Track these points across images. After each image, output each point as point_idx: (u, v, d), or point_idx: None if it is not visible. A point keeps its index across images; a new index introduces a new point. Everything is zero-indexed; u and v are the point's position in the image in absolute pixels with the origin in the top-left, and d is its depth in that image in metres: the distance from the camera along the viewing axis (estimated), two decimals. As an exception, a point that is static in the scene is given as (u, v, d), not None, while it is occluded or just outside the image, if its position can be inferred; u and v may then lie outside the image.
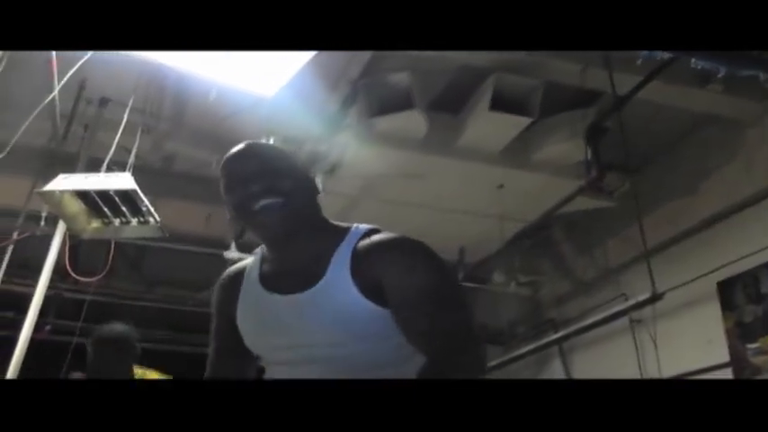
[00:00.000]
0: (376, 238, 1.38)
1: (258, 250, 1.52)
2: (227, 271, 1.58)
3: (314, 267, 1.35)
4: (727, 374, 4.47)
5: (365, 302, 1.30)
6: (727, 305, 4.60)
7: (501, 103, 4.13)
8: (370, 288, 1.31)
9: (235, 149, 1.42)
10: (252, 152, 1.41)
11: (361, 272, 1.32)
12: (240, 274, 1.51)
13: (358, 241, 1.37)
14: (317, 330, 1.32)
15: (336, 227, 1.44)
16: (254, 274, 1.46)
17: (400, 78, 4.13)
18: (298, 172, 1.43)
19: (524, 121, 4.31)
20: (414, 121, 4.29)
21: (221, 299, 1.55)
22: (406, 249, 1.35)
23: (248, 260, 1.53)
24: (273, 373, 1.43)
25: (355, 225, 1.43)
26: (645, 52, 1.93)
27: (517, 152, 4.65)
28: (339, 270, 1.33)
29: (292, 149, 1.59)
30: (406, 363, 1.30)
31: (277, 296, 1.38)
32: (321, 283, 1.32)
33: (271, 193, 1.34)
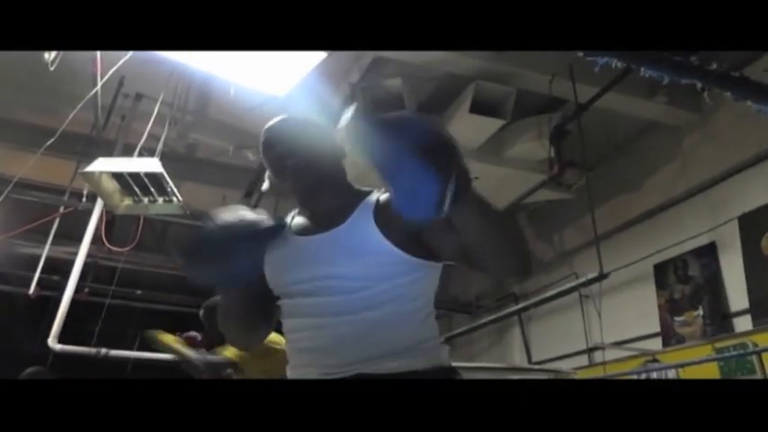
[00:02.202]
0: None
1: (291, 212, 1.46)
2: None
3: (338, 215, 1.30)
4: (657, 342, 4.61)
5: (388, 245, 1.22)
6: (660, 284, 4.72)
7: (479, 107, 4.20)
8: (396, 234, 1.22)
9: (269, 123, 1.40)
10: (281, 125, 1.39)
11: (385, 219, 1.24)
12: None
13: (380, 196, 1.33)
14: (337, 262, 1.24)
15: (360, 189, 1.40)
16: (285, 226, 1.41)
17: (394, 83, 4.20)
18: (320, 138, 1.39)
19: (498, 123, 4.37)
20: (403, 121, 4.31)
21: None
22: None
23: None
24: (292, 306, 1.32)
25: (378, 189, 1.37)
26: (602, 60, 1.95)
27: (491, 149, 4.72)
28: (362, 217, 1.27)
29: (320, 121, 1.48)
30: (415, 300, 1.26)
31: (302, 237, 1.33)
32: (343, 225, 1.27)
33: (295, 154, 1.33)
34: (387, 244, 1.22)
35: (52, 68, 3.19)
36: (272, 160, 1.37)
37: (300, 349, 1.29)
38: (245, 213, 1.26)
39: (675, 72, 2.10)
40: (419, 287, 1.27)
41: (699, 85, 2.20)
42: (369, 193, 1.36)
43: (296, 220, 1.41)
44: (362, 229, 1.24)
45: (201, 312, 2.81)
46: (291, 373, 1.31)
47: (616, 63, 1.96)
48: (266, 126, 1.40)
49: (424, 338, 1.25)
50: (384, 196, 1.31)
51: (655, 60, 2.06)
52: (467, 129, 4.42)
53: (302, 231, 1.35)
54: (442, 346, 1.30)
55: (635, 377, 4.28)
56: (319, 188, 1.36)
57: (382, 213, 1.26)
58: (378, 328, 1.20)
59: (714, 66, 2.16)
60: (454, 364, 1.29)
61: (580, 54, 1.86)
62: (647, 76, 2.05)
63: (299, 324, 1.29)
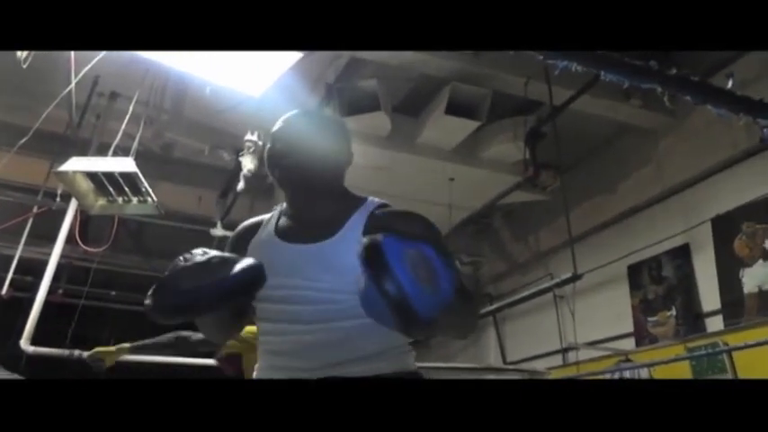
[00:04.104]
0: (390, 208, 1.37)
1: (277, 207, 1.47)
2: (245, 222, 1.49)
3: (329, 226, 1.31)
4: (630, 342, 4.71)
5: None
6: (634, 285, 4.84)
7: (454, 109, 4.28)
8: None
9: (286, 114, 1.41)
10: (291, 120, 1.40)
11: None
12: (256, 225, 1.45)
13: (374, 210, 1.34)
14: (321, 276, 1.26)
15: (354, 195, 1.40)
16: (271, 226, 1.41)
17: (369, 84, 4.27)
18: (322, 141, 1.37)
19: (474, 125, 4.47)
20: (380, 122, 4.44)
21: (234, 243, 1.45)
22: (416, 217, 1.35)
23: (267, 215, 1.46)
24: (268, 311, 1.34)
25: (371, 197, 1.39)
26: (561, 64, 2.01)
27: (467, 151, 4.82)
28: (352, 231, 1.29)
29: (334, 122, 1.53)
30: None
31: (290, 245, 1.33)
32: (331, 240, 1.29)
33: (291, 155, 1.33)
34: None
35: (25, 66, 3.21)
36: (270, 155, 1.37)
37: (271, 351, 1.32)
38: (213, 256, 1.22)
39: (635, 76, 2.18)
40: None
41: (659, 89, 2.28)
42: (362, 200, 1.38)
43: (282, 221, 1.41)
44: (349, 246, 1.21)
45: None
46: (259, 374, 1.34)
47: (576, 67, 2.03)
48: (282, 117, 1.41)
49: (393, 345, 1.29)
50: (380, 211, 1.34)
51: (614, 64, 2.14)
52: (442, 130, 4.53)
53: (287, 236, 1.35)
54: (409, 353, 1.33)
55: (608, 376, 4.39)
56: (309, 194, 1.36)
57: (373, 226, 1.29)
58: (349, 337, 1.24)
59: (674, 70, 2.25)
60: (431, 364, 1.35)
61: (540, 57, 1.94)
62: (606, 80, 2.13)
63: (272, 328, 1.32)
